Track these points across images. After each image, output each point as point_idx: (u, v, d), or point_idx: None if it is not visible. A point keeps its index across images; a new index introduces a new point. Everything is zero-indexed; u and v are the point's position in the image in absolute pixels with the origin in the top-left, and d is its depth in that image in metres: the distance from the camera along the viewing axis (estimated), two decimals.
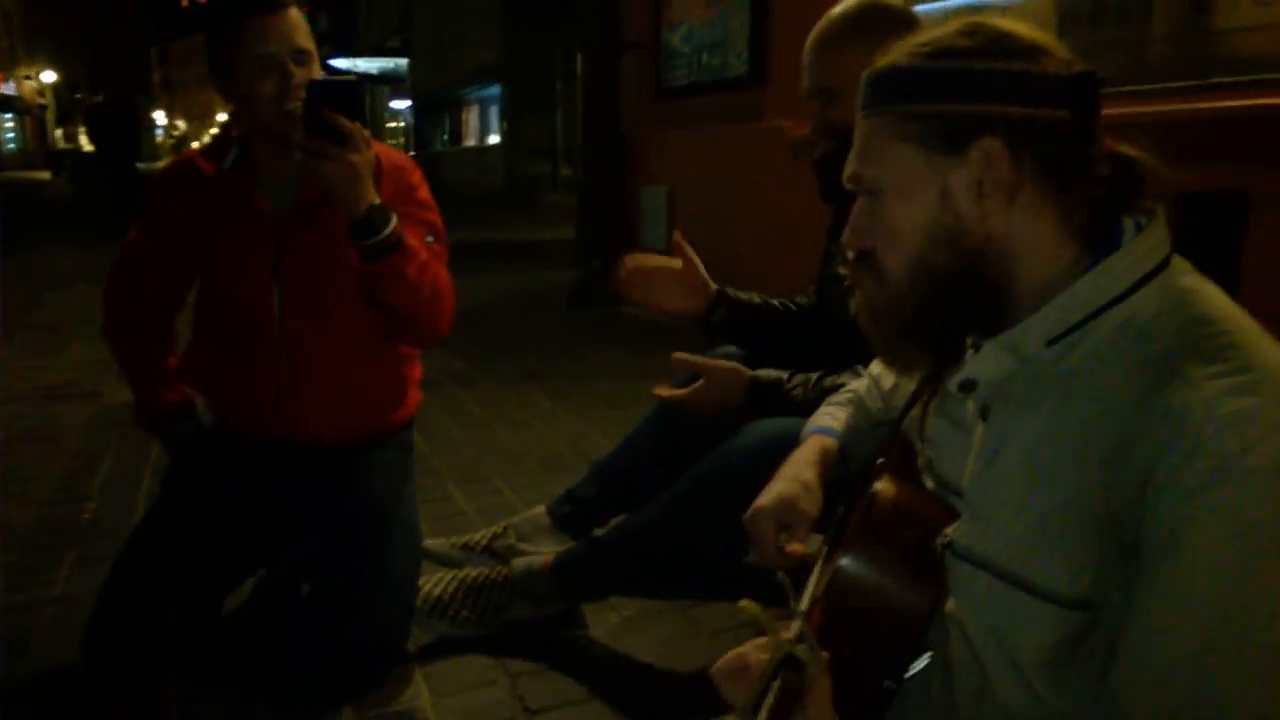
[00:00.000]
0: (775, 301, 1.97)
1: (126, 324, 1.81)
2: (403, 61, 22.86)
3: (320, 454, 1.74)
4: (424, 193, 1.79)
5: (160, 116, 64.99)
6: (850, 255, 0.92)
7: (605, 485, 1.98)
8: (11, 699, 1.62)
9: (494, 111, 19.72)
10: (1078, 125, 0.80)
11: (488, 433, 3.18)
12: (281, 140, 1.60)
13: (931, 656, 0.92)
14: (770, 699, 0.73)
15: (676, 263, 1.89)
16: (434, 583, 1.78)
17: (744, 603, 0.92)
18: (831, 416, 1.31)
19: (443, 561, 1.94)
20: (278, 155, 1.66)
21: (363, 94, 1.55)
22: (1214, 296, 0.78)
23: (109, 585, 1.67)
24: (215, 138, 1.78)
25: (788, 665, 0.76)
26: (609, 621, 1.86)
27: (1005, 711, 0.84)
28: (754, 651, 0.88)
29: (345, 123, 1.49)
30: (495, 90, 18.07)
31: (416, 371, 1.90)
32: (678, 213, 5.07)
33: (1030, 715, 0.82)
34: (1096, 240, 0.81)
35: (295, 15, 1.61)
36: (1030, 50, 0.80)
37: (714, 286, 1.90)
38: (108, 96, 13.72)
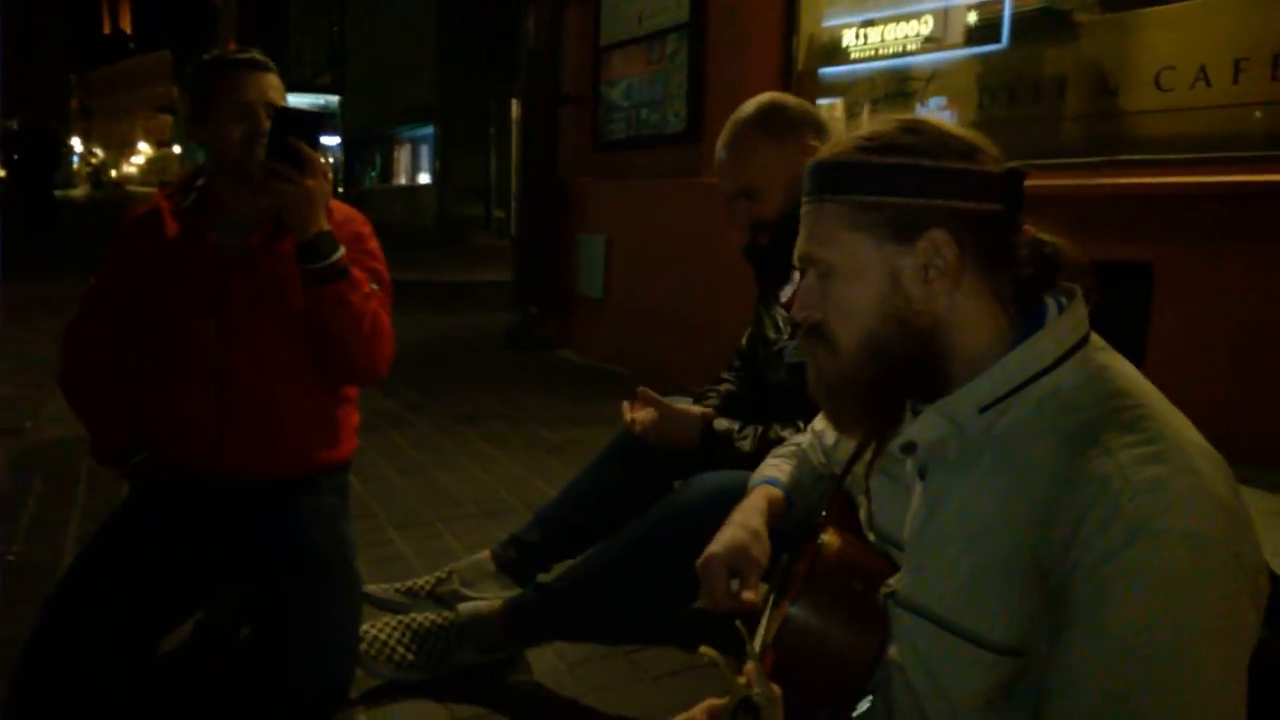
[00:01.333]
0: (731, 387, 2.04)
1: (86, 370, 1.82)
2: (333, 98, 22.76)
3: (253, 492, 1.75)
4: (373, 244, 1.86)
5: (77, 143, 63.14)
6: (801, 326, 1.00)
7: (549, 531, 2.01)
8: None
9: (425, 151, 19.71)
10: (1008, 215, 0.90)
11: (425, 476, 3.19)
12: (244, 180, 1.70)
13: (873, 699, 0.99)
14: None
15: (682, 406, 1.90)
16: (379, 627, 1.79)
17: (704, 649, 0.98)
18: (776, 468, 1.38)
19: (386, 607, 1.96)
20: (237, 198, 1.74)
21: (323, 126, 1.67)
22: (1127, 371, 0.88)
23: (39, 625, 1.63)
24: (181, 180, 1.84)
25: (745, 708, 0.82)
26: (553, 666, 1.89)
27: None
28: (710, 705, 0.92)
29: (307, 149, 1.62)
30: (428, 130, 18.11)
31: (354, 417, 1.93)
32: (614, 261, 5.15)
33: None
34: (1021, 317, 0.91)
35: (275, 79, 1.74)
36: (969, 149, 0.90)
37: (702, 419, 1.86)
38: (23, 123, 13.35)
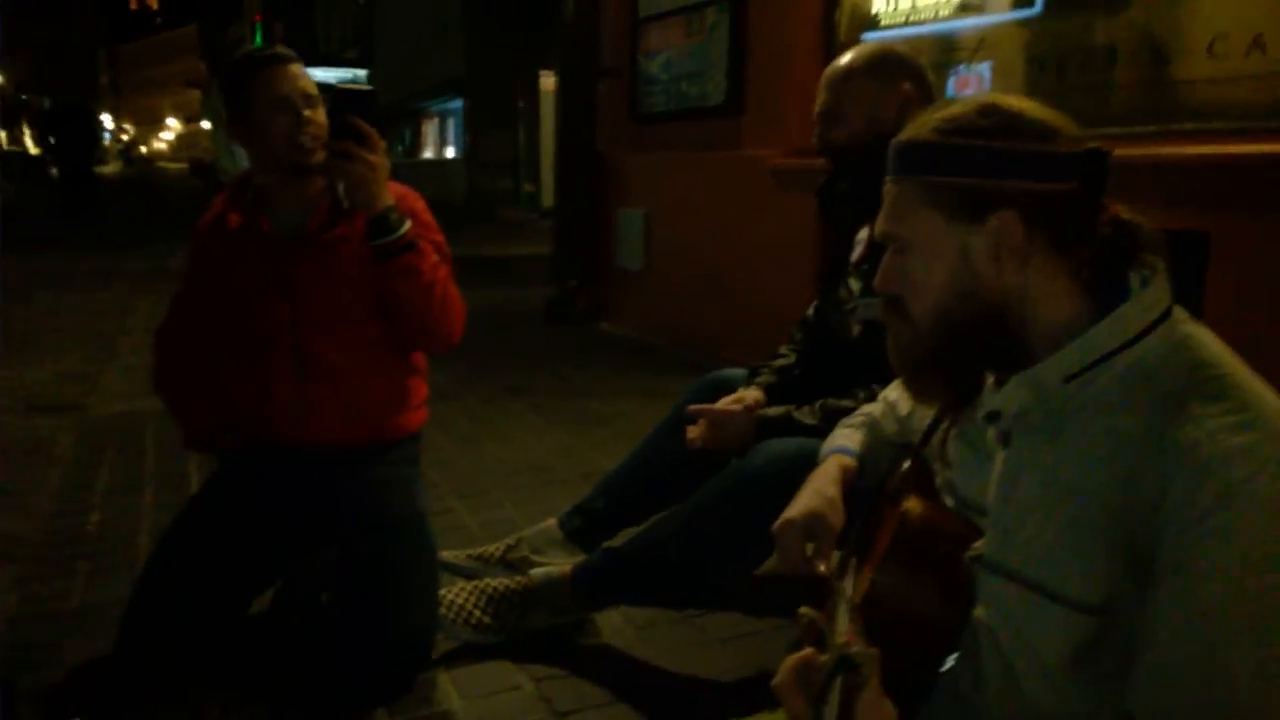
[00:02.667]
0: (787, 361, 2.02)
1: (177, 368, 1.92)
2: (360, 72, 22.76)
3: (334, 461, 1.84)
4: (428, 216, 1.92)
5: (107, 120, 63.62)
6: (881, 299, 1.04)
7: (614, 500, 2.08)
8: (44, 708, 1.68)
9: (453, 125, 19.70)
10: (1087, 195, 0.93)
11: (479, 447, 3.26)
12: (293, 170, 1.79)
13: (958, 659, 1.03)
14: (834, 698, 0.79)
15: (737, 405, 1.89)
16: (454, 592, 1.87)
17: (804, 609, 1.03)
18: (848, 437, 1.40)
19: (458, 572, 2.03)
20: (288, 187, 1.83)
21: (378, 102, 1.76)
22: (1211, 342, 0.91)
23: (140, 588, 1.76)
24: (237, 181, 1.93)
25: (845, 666, 0.85)
26: (623, 630, 1.96)
27: (1032, 707, 0.94)
28: (810, 661, 0.95)
29: (367, 126, 1.68)
30: (457, 104, 18.09)
31: (423, 389, 2.00)
32: (654, 234, 5.18)
33: (1056, 711, 0.92)
34: (1103, 293, 0.94)
35: (300, 68, 1.82)
36: (1045, 131, 0.92)
37: (753, 417, 1.85)
38: (58, 101, 13.51)
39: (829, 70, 1.86)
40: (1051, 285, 0.93)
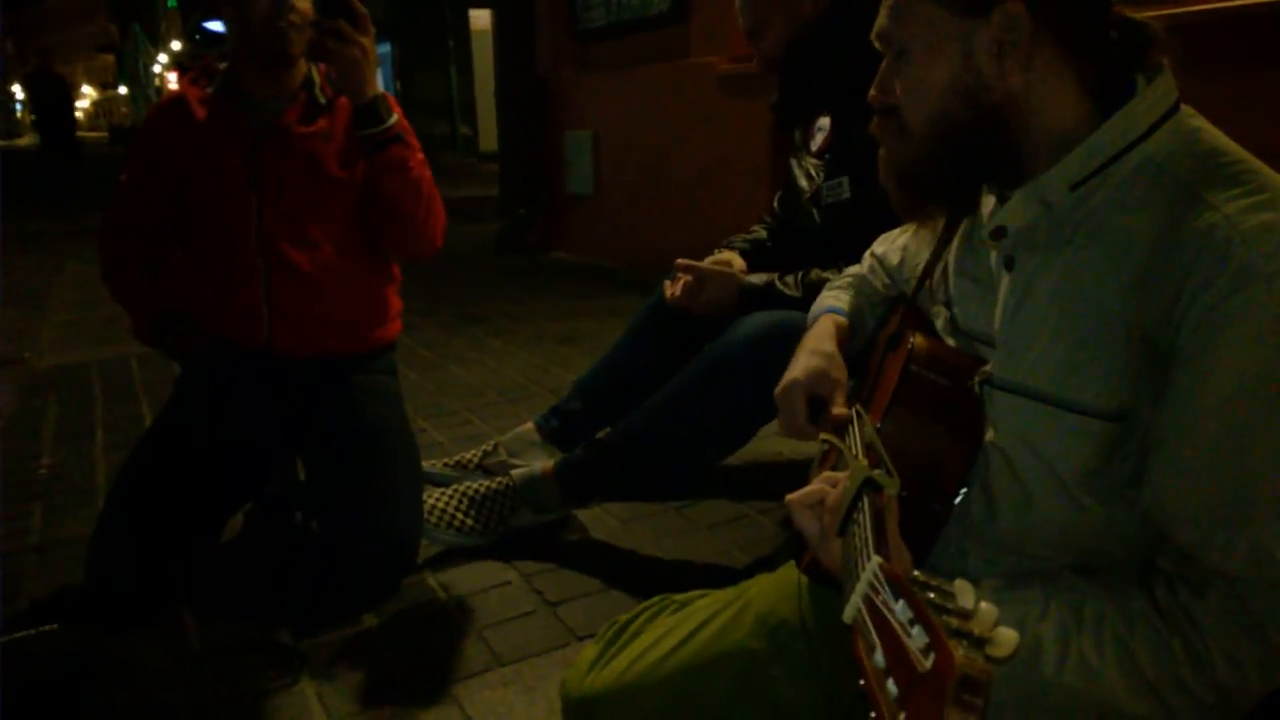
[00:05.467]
0: (761, 234, 2.03)
1: (123, 260, 1.79)
2: None
3: (307, 369, 1.75)
4: (405, 122, 1.80)
5: (18, 91, 60.88)
6: (876, 111, 0.99)
7: (590, 399, 2.03)
8: (12, 642, 1.60)
9: (383, 72, 19.18)
10: None
11: (443, 372, 3.19)
12: (272, 58, 1.66)
13: (968, 488, 1.01)
14: (865, 520, 0.76)
15: (725, 264, 1.89)
16: (436, 496, 1.82)
17: (824, 434, 0.99)
18: (836, 298, 1.37)
19: (438, 481, 1.97)
20: (264, 78, 1.70)
21: None
22: (1221, 135, 0.87)
23: (111, 499, 1.69)
24: (201, 66, 1.79)
25: (870, 487, 0.82)
26: (606, 524, 1.93)
27: (1048, 523, 0.92)
28: (826, 486, 0.93)
29: (358, 4, 1.56)
30: (385, 49, 17.58)
31: (396, 301, 1.91)
32: (603, 156, 5.08)
33: (1073, 524, 0.89)
34: (1108, 96, 0.90)
35: None
36: None
37: (739, 277, 1.83)
38: (35, 69, 13.26)
39: None
40: (1056, 88, 0.89)
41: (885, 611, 0.60)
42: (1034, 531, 0.95)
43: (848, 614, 0.67)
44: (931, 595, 0.62)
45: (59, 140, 13.03)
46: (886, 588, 0.62)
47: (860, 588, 0.66)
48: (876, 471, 0.83)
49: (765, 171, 3.87)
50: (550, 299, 4.35)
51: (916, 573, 0.63)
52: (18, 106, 55.25)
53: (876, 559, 0.67)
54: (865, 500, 0.79)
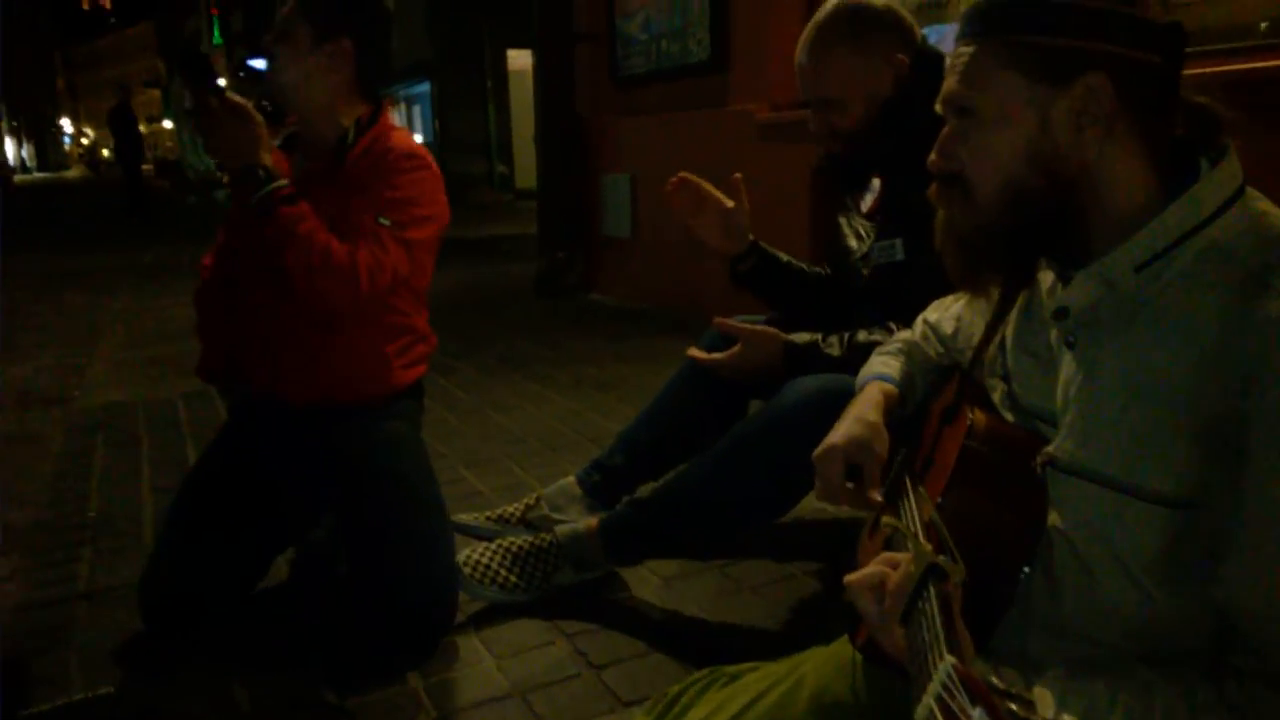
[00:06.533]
0: (803, 264, 2.04)
1: (207, 300, 1.88)
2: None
3: (312, 415, 1.78)
4: (403, 180, 1.79)
5: (66, 124, 62.65)
6: (937, 177, 0.98)
7: (633, 454, 2.02)
8: (62, 689, 1.61)
9: (420, 109, 19.47)
10: (1167, 70, 0.88)
11: (482, 417, 3.20)
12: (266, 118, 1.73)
13: (1030, 570, 0.99)
14: (933, 610, 0.75)
15: (729, 202, 1.96)
16: (479, 551, 1.81)
17: (886, 518, 0.98)
18: (885, 365, 1.35)
19: (479, 535, 1.98)
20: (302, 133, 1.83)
21: (209, 65, 1.76)
22: None
23: (154, 553, 1.75)
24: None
25: (935, 575, 0.80)
26: (649, 583, 1.91)
27: (1113, 610, 0.90)
28: (886, 568, 0.91)
29: (210, 92, 1.64)
30: (424, 87, 17.86)
31: (415, 346, 1.90)
32: (641, 199, 5.12)
33: (1140, 614, 0.87)
34: (1174, 177, 0.89)
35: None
36: None
37: (751, 237, 1.99)
38: (119, 102, 13.94)
39: (802, 50, 1.76)
40: (1129, 165, 0.88)
41: (961, 716, 0.59)
42: (1098, 617, 0.93)
43: (919, 714, 0.66)
44: (1014, 707, 0.61)
45: (134, 174, 13.90)
46: (963, 692, 0.61)
47: (933, 688, 0.65)
48: (941, 558, 0.82)
49: (804, 219, 3.88)
50: (588, 342, 4.37)
51: (994, 679, 0.62)
52: (66, 139, 56.72)
53: (950, 659, 0.66)
54: (931, 589, 0.78)
